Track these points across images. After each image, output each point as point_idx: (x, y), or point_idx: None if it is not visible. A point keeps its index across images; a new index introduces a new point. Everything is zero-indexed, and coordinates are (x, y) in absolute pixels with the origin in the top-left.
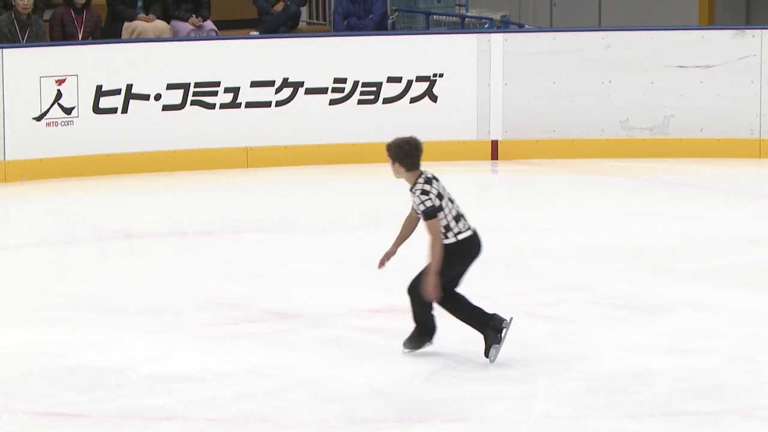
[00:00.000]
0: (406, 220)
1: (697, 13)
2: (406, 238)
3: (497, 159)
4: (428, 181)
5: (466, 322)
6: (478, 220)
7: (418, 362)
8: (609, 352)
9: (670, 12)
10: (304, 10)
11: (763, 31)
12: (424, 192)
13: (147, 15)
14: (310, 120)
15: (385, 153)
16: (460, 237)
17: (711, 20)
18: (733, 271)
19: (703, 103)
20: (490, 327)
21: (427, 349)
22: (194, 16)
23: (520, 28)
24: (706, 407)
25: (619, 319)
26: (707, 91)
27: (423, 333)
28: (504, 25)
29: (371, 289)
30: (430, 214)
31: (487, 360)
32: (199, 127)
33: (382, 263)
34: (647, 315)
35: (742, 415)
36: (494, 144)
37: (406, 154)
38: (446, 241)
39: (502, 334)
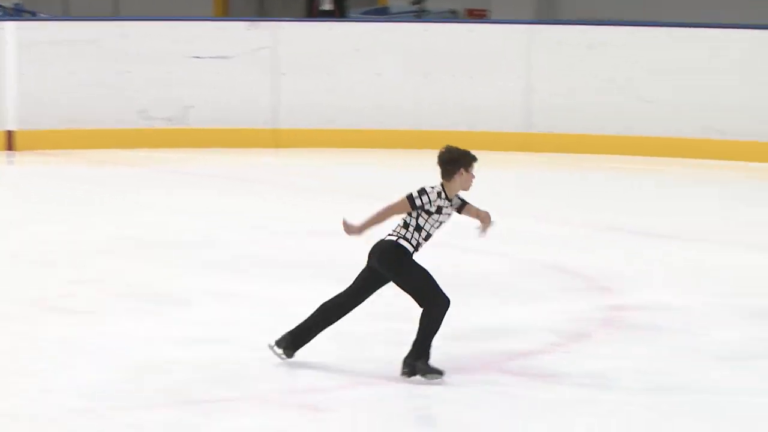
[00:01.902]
0: (388, 209)
1: (212, 4)
2: (379, 222)
3: (13, 149)
4: (439, 195)
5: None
6: None
7: None
8: (128, 343)
9: (187, 3)
10: None
11: (277, 23)
12: (425, 192)
13: None
14: None
15: None
16: (406, 246)
17: (226, 12)
18: (252, 261)
19: (221, 94)
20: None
21: None
22: None
23: (33, 16)
24: (223, 394)
25: (138, 310)
26: (224, 81)
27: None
28: (17, 13)
29: None
30: (411, 201)
31: None
32: None
33: (350, 232)
34: (167, 306)
35: (258, 399)
36: (9, 134)
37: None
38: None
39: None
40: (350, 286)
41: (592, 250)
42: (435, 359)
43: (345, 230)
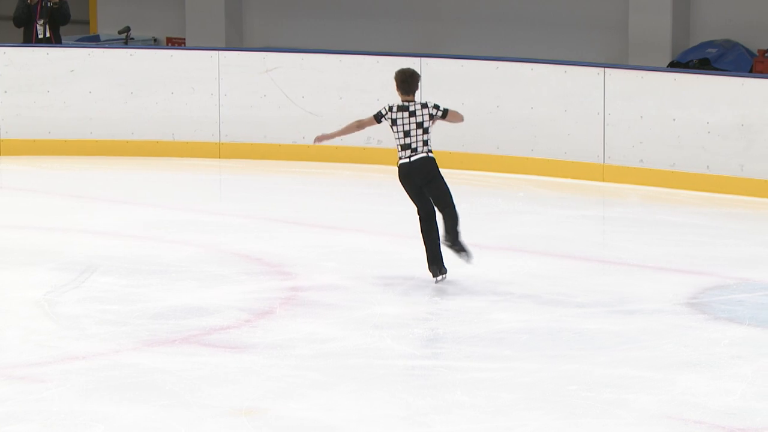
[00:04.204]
0: (355, 122)
1: None
2: (347, 133)
3: None
4: (398, 107)
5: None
6: None
7: None
8: None
9: None
10: None
11: None
12: (388, 106)
13: None
14: None
15: None
16: (399, 162)
17: None
18: None
19: None
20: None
21: None
22: None
23: None
24: None
25: None
26: None
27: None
28: None
29: None
30: (375, 113)
31: None
32: None
33: (317, 141)
34: None
35: None
36: None
37: (398, 80)
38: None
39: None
40: (418, 205)
41: (274, 240)
42: (140, 336)
43: (318, 138)
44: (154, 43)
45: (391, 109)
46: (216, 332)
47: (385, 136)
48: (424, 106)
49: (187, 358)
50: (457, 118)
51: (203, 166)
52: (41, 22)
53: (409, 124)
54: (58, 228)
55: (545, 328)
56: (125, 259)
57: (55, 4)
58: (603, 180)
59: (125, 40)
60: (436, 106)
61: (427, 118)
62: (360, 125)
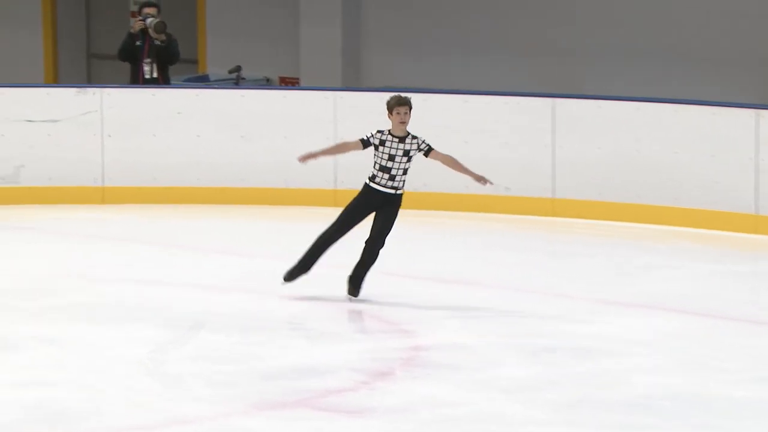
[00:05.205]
0: (342, 144)
1: (42, 70)
2: (332, 154)
3: None
4: (381, 132)
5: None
6: None
7: None
8: None
9: (17, 69)
10: None
11: (103, 89)
12: (378, 130)
13: None
14: None
15: None
16: (370, 184)
17: (56, 78)
18: (74, 306)
19: (51, 154)
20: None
21: None
22: None
23: None
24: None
25: None
26: (54, 143)
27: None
28: None
29: None
30: (362, 138)
31: None
32: None
33: (304, 160)
34: None
35: None
36: None
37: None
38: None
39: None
40: (338, 220)
41: (394, 297)
42: (249, 399)
43: (304, 157)
44: (266, 83)
45: (380, 131)
46: (331, 395)
47: (512, 183)
48: (414, 137)
49: (301, 423)
50: (447, 161)
51: (318, 214)
52: (148, 60)
53: (396, 149)
54: (162, 281)
55: (690, 394)
56: (234, 315)
57: (162, 41)
58: (755, 232)
59: (236, 80)
60: (425, 142)
61: (414, 147)
62: (345, 148)
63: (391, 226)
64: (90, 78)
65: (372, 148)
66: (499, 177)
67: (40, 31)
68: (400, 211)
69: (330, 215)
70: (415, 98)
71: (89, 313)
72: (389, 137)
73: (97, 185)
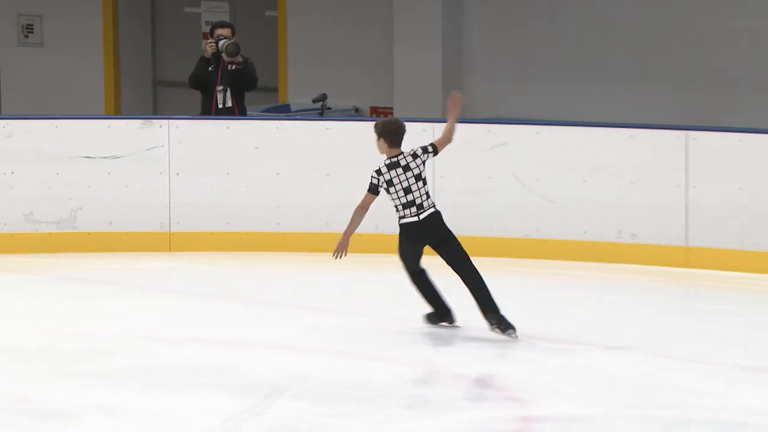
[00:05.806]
0: (358, 209)
1: (103, 100)
2: (358, 225)
3: None
4: (388, 165)
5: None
6: None
7: None
8: None
9: (74, 99)
10: None
11: (170, 121)
12: (377, 171)
13: None
14: None
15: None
16: (403, 221)
17: (118, 109)
18: (140, 371)
19: (111, 195)
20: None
21: None
22: None
23: None
24: None
25: (22, 426)
26: (115, 182)
27: (440, 315)
28: None
29: None
30: (370, 188)
31: None
32: None
33: (338, 254)
34: (53, 420)
35: None
36: None
37: (389, 131)
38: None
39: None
40: (409, 267)
41: (501, 359)
42: None
43: (337, 250)
44: (355, 114)
45: (380, 172)
46: None
47: (636, 226)
48: (415, 155)
49: None
50: (446, 141)
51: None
52: (221, 88)
53: (407, 179)
54: (237, 341)
55: None
56: (319, 381)
57: (238, 64)
58: None
59: (321, 110)
60: (424, 149)
61: (422, 167)
62: (364, 209)
63: (461, 246)
64: (156, 108)
65: (383, 191)
66: (623, 222)
67: (101, 56)
68: (518, 260)
69: (430, 263)
70: (525, 130)
71: (155, 378)
72: (394, 171)
73: (164, 230)
